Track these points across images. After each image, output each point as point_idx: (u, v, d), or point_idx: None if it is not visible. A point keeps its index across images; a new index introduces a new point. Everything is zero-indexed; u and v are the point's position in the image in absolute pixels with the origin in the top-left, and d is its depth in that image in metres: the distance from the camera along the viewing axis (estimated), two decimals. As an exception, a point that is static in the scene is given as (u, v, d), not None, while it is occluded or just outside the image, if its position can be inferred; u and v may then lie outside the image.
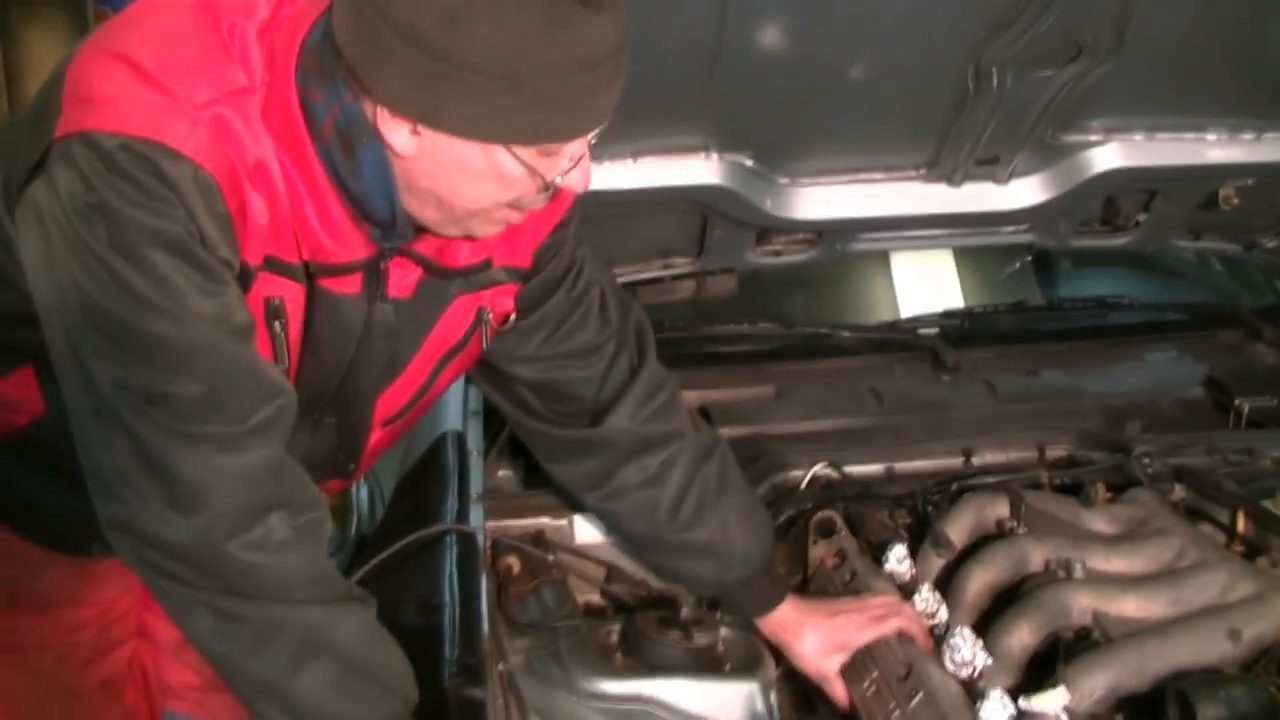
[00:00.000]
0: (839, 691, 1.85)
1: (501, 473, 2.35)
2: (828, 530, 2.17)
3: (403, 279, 1.57)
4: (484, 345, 1.73)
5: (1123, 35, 2.08)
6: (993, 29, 2.05)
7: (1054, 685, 1.69)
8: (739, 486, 1.98)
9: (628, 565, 2.12)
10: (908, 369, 2.79)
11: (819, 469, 2.33)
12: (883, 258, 3.88)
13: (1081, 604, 1.87)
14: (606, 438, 1.89)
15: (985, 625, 1.89)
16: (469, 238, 1.54)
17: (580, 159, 1.42)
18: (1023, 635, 1.84)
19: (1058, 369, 2.73)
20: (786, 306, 3.60)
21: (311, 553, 1.46)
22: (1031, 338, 2.92)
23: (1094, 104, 2.31)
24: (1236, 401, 2.57)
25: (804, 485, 2.30)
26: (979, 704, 1.69)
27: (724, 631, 1.88)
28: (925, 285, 4.09)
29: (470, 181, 1.39)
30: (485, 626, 1.77)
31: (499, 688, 1.67)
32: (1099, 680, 1.72)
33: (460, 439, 2.27)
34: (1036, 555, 2.01)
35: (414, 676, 1.55)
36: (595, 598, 2.09)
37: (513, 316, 1.73)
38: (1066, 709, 1.67)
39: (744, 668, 1.81)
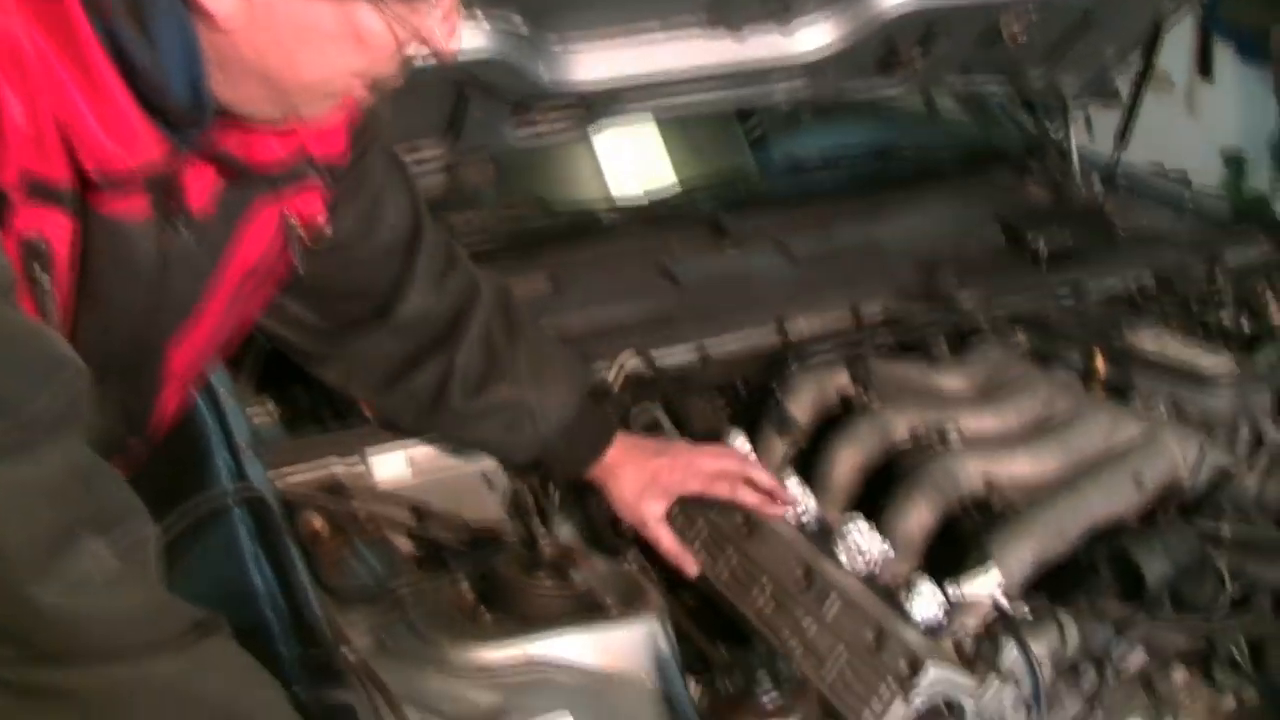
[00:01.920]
0: (662, 537, 1.71)
1: (259, 417, 1.98)
2: (652, 429, 1.92)
3: (201, 189, 1.19)
4: (295, 266, 1.37)
5: None
6: None
7: (982, 565, 1.52)
8: (532, 328, 1.78)
9: (437, 500, 1.81)
10: (689, 242, 2.55)
11: (627, 362, 2.06)
12: (584, 141, 3.61)
13: (971, 472, 1.71)
14: (399, 325, 1.63)
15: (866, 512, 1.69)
16: (288, 125, 1.21)
17: (449, 14, 1.16)
18: (920, 516, 1.66)
19: (846, 223, 2.56)
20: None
21: (144, 581, 1.10)
22: (811, 196, 2.74)
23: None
24: (1031, 240, 2.47)
25: (614, 382, 2.03)
26: (907, 599, 1.49)
27: (596, 561, 1.61)
28: (631, 162, 3.89)
29: (316, 48, 1.13)
30: (318, 609, 1.43)
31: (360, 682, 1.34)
32: (1025, 553, 1.56)
33: (206, 381, 1.88)
34: (900, 425, 1.83)
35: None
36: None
37: (327, 228, 1.38)
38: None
39: (630, 604, 1.53)
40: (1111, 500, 1.64)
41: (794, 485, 1.74)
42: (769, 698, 1.31)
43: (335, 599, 1.52)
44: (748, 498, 1.69)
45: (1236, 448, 1.67)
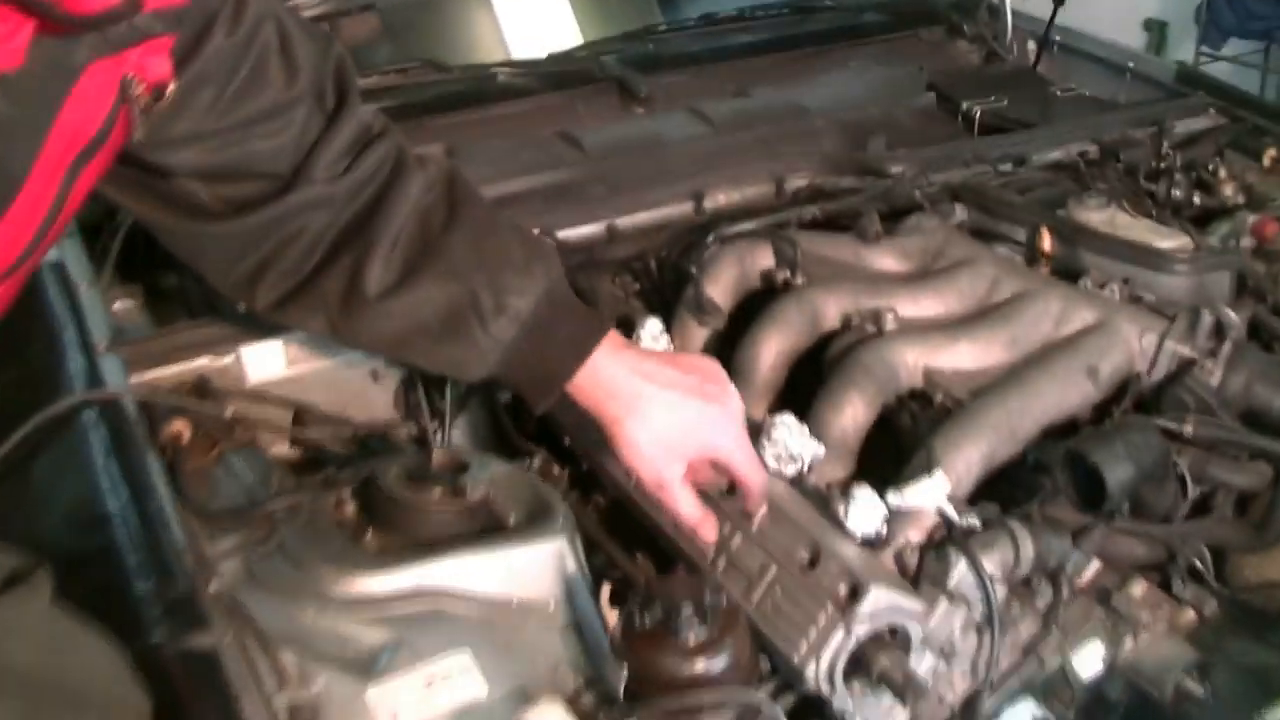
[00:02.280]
0: (683, 503, 1.34)
1: (119, 305, 1.75)
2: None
3: (8, 40, 0.95)
4: (133, 135, 1.13)
5: None
6: None
7: (926, 470, 1.36)
8: (486, 215, 1.38)
9: (320, 399, 1.61)
10: (594, 106, 2.35)
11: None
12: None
13: (909, 361, 1.55)
14: (304, 206, 1.31)
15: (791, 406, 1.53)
16: None
17: None
18: (854, 412, 1.50)
19: (766, 86, 2.35)
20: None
21: None
22: (724, 54, 2.52)
23: None
24: (965, 106, 2.29)
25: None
26: (843, 509, 1.34)
27: (495, 468, 1.42)
28: (532, 19, 3.64)
29: None
30: (179, 534, 1.23)
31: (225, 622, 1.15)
32: (973, 454, 1.41)
33: (61, 271, 1.65)
34: (830, 309, 1.66)
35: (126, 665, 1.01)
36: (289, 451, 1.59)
37: (170, 86, 1.13)
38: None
39: (535, 519, 1.36)
40: (1064, 394, 1.49)
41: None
42: (694, 632, 1.15)
43: (200, 521, 1.32)
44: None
45: (1197, 336, 1.52)
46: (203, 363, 1.57)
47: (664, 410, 1.30)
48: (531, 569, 1.29)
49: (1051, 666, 1.36)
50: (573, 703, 1.18)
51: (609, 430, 1.32)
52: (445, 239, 1.32)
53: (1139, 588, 1.39)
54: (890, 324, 1.60)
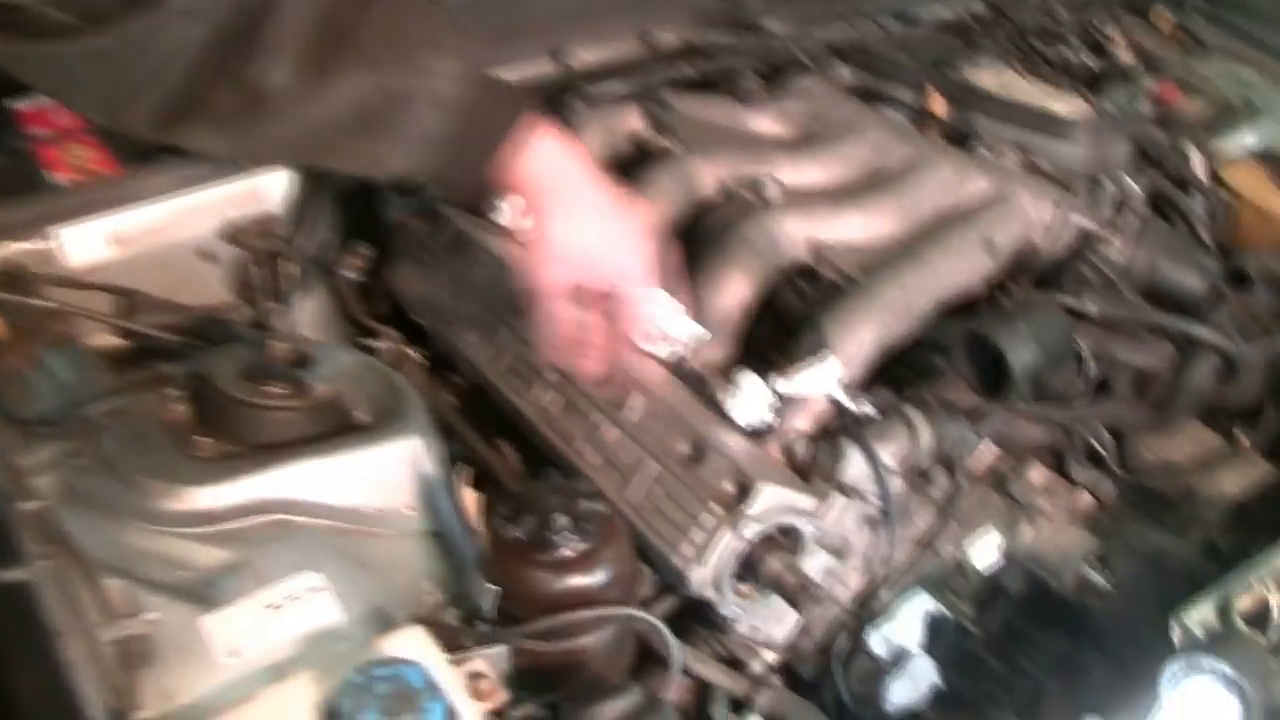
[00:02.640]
0: (558, 316, 1.21)
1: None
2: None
3: None
4: None
5: None
6: None
7: (815, 353, 1.25)
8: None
9: (147, 283, 1.43)
10: (445, -47, 2.13)
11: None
12: None
13: (793, 233, 1.43)
14: (170, 12, 1.05)
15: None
16: None
17: None
18: (736, 289, 1.38)
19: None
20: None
21: None
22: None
23: None
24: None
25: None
26: (727, 397, 1.23)
27: (342, 359, 1.27)
28: None
29: None
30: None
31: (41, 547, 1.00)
32: (865, 335, 1.30)
33: None
34: (707, 176, 1.53)
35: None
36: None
37: None
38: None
39: (387, 416, 1.21)
40: (960, 268, 1.39)
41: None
42: (569, 545, 1.03)
43: (11, 429, 1.15)
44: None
45: (1099, 207, 1.43)
46: (14, 248, 1.38)
47: (594, 218, 1.18)
48: (385, 472, 1.16)
49: (946, 558, 1.29)
50: (435, 623, 1.06)
51: (536, 223, 1.18)
52: (356, 25, 1.11)
53: (1037, 473, 1.32)
54: (772, 193, 1.48)
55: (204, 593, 1.03)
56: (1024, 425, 1.35)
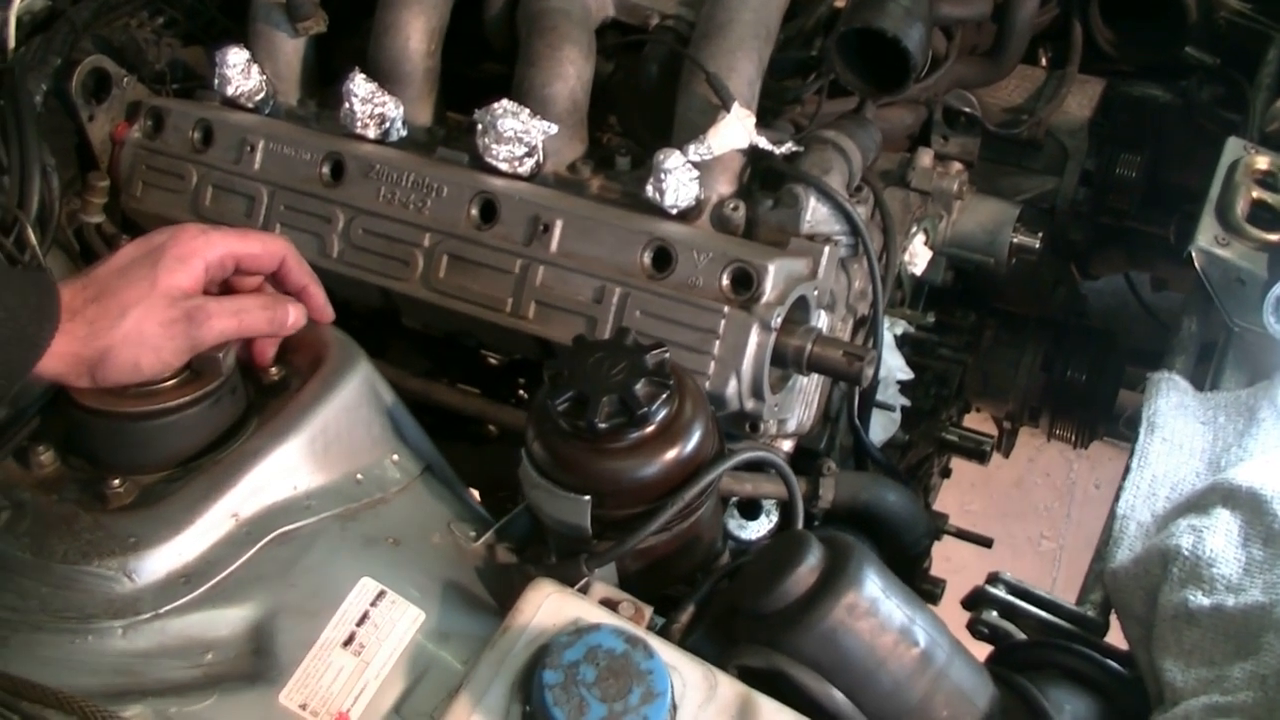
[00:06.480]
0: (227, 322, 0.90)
1: None
2: (101, 84, 1.24)
3: None
4: None
5: None
6: None
7: (718, 105, 1.07)
8: None
9: None
10: None
11: None
12: None
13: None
14: None
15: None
16: None
17: None
18: (575, 69, 1.14)
19: None
20: None
21: None
22: None
23: None
24: None
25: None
26: (656, 188, 1.04)
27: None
28: None
29: None
30: None
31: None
32: (748, 68, 1.11)
33: None
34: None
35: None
36: None
37: None
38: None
39: (313, 362, 0.93)
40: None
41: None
42: (658, 415, 0.82)
43: None
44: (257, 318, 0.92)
45: None
46: None
47: (134, 296, 0.86)
48: (348, 423, 0.89)
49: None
50: (526, 567, 0.84)
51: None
52: None
53: (925, 157, 1.22)
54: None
55: (253, 668, 0.76)
56: (896, 112, 1.25)
